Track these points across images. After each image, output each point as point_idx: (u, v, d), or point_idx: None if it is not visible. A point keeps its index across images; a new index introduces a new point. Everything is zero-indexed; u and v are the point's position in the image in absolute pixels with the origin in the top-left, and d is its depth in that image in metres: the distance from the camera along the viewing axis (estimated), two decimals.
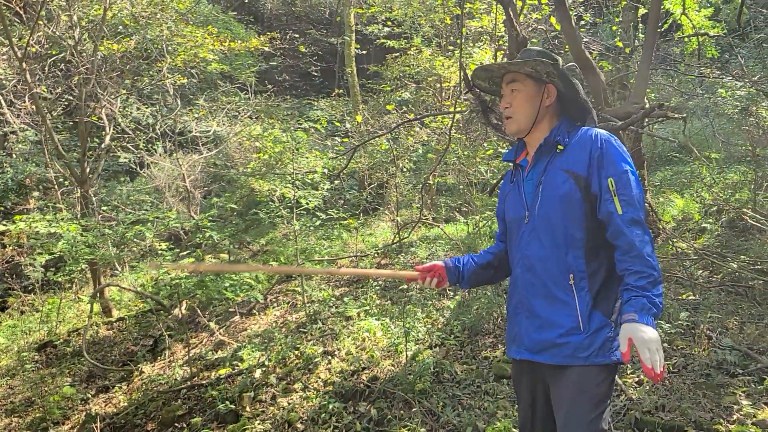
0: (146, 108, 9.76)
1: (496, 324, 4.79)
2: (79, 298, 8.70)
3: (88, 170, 7.64)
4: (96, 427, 4.30)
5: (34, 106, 9.16)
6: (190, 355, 5.78)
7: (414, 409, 3.70)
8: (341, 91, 12.44)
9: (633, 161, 2.13)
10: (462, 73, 6.16)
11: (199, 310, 6.43)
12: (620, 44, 6.98)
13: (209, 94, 10.40)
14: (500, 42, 7.28)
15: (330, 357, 4.64)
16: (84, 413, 5.49)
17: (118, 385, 5.93)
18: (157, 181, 11.12)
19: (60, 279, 5.67)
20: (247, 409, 4.26)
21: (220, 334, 6.05)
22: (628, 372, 3.69)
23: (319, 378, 4.41)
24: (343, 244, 8.97)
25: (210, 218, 6.00)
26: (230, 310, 6.87)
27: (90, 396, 5.82)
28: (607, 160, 1.99)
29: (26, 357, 6.71)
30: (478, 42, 10.30)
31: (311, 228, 6.30)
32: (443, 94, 11.76)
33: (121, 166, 11.88)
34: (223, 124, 9.91)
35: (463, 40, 6.94)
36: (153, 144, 10.01)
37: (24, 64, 7.18)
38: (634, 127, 3.91)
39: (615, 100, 6.97)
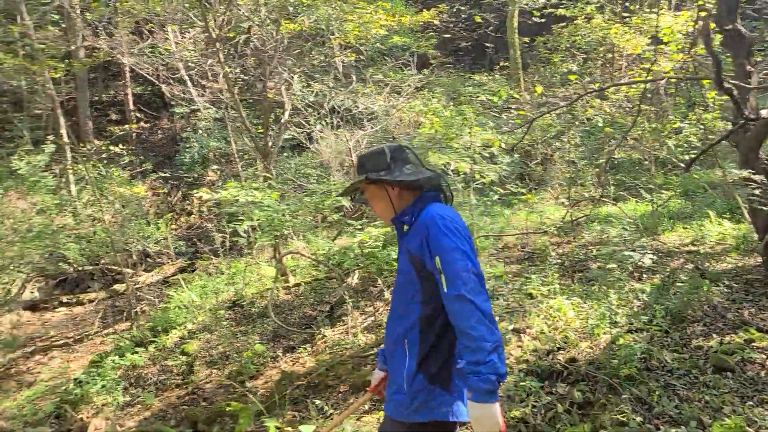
0: (316, 85, 10.16)
1: (704, 311, 4.41)
2: (257, 263, 9.36)
3: (270, 144, 8.12)
4: (300, 384, 4.58)
5: (220, 85, 9.92)
6: (371, 321, 5.99)
7: (624, 396, 3.50)
8: (505, 63, 12.11)
9: None
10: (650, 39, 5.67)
11: (379, 279, 6.60)
12: None
13: (376, 70, 10.60)
14: (700, 2, 6.59)
15: (520, 334, 4.55)
16: (276, 370, 5.90)
17: (302, 346, 6.30)
18: (322, 156, 11.61)
19: (265, 242, 6.07)
20: None
21: None
22: None
23: (511, 355, 4.33)
24: (505, 222, 8.78)
25: None
26: None
27: (279, 354, 6.24)
28: (434, 239, 2.14)
29: (221, 315, 7.34)
30: (654, 7, 9.46)
31: (488, 202, 6.18)
32: (614, 65, 11.03)
33: (287, 141, 12.54)
34: (388, 100, 10.06)
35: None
36: (321, 120, 10.43)
37: (218, 45, 7.75)
38: None
39: None
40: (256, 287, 8.41)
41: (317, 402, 4.55)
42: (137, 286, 9.46)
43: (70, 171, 11.48)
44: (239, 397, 5.40)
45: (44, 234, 8.39)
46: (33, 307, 9.76)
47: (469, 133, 7.02)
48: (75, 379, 6.82)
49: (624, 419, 3.37)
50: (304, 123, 9.84)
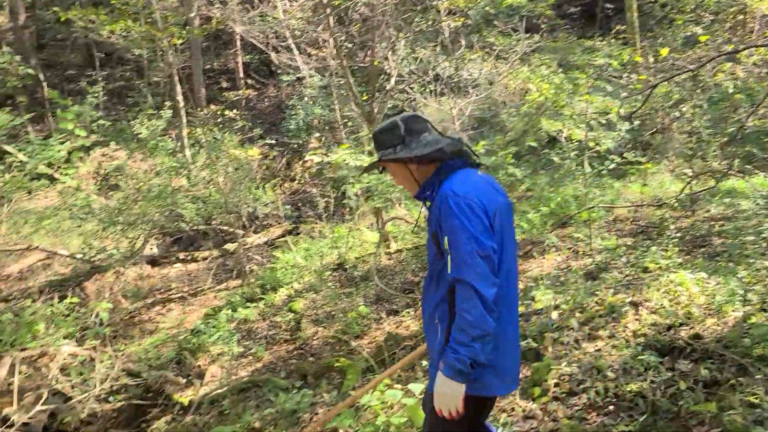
0: (421, 51, 10.07)
1: None
2: (359, 228, 9.55)
3: (375, 110, 8.16)
4: (407, 345, 4.65)
5: (326, 53, 10.08)
6: None
7: (757, 377, 3.28)
8: (621, 27, 11.43)
9: None
10: None
11: None
12: None
13: (487, 34, 10.34)
14: None
15: (638, 307, 4.35)
16: (380, 331, 6.03)
17: (405, 310, 6.38)
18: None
19: (377, 204, 6.18)
20: (549, 349, 4.22)
21: None
22: None
23: (627, 328, 4.17)
24: (615, 194, 8.37)
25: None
26: None
27: (382, 317, 6.37)
28: (444, 219, 2.14)
29: (326, 277, 7.57)
30: None
31: (603, 171, 5.92)
32: (745, 27, 10.14)
33: (389, 108, 12.56)
34: (495, 66, 9.81)
35: None
36: (425, 87, 10.33)
37: (327, 11, 7.83)
38: None
39: None
40: (359, 252, 8.59)
41: (424, 363, 4.60)
42: (246, 246, 9.91)
43: (186, 135, 12.15)
44: (345, 354, 5.58)
45: (164, 194, 8.95)
46: (153, 262, 10.48)
47: (581, 100, 6.72)
48: (192, 330, 7.30)
49: (756, 401, 3.16)
50: (408, 90, 9.79)
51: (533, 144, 6.48)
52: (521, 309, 5.04)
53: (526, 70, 9.68)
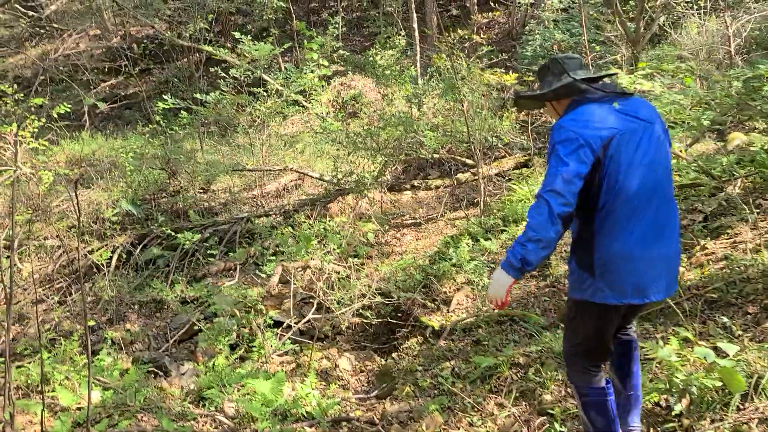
0: None
1: None
2: None
3: (642, 29, 7.24)
4: (693, 295, 4.09)
5: None
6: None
7: None
8: None
9: None
10: None
11: None
12: None
13: None
14: None
15: None
16: None
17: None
18: (683, 47, 10.08)
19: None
20: None
21: None
22: None
23: None
24: None
25: None
26: None
27: None
28: (549, 149, 2.46)
29: None
30: None
31: None
32: None
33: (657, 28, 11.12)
34: None
35: None
36: (695, 2, 8.94)
37: None
38: None
39: None
40: None
41: (724, 319, 4.01)
42: (481, 176, 9.71)
43: (419, 63, 12.13)
44: None
45: (406, 122, 9.04)
46: (390, 188, 10.82)
47: None
48: (434, 256, 7.36)
49: None
50: (674, 4, 8.54)
51: None
52: None
53: None
